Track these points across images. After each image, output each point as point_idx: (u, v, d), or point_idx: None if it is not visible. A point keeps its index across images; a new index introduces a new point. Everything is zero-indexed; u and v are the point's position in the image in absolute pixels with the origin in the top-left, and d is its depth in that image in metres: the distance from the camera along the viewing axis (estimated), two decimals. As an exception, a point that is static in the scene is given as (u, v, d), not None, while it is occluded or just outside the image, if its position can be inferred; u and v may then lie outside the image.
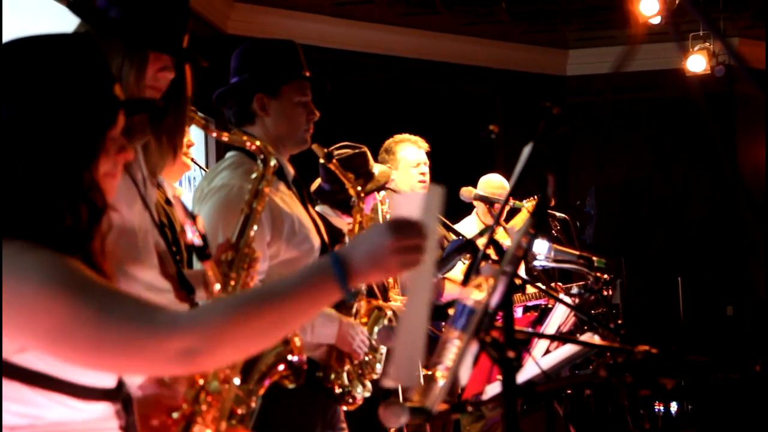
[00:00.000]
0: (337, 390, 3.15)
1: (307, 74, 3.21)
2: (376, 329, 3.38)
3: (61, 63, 1.70)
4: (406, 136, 5.08)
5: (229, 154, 3.20)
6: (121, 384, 1.78)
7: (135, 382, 2.05)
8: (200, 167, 4.33)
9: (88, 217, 1.68)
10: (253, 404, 2.18)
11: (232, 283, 2.34)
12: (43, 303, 1.56)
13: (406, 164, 4.94)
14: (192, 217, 2.12)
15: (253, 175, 2.62)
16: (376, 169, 4.31)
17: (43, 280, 1.57)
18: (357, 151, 4.24)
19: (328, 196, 4.27)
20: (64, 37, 1.79)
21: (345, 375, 3.17)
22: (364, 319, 3.39)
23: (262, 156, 2.65)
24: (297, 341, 2.28)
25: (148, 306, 1.65)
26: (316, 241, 3.16)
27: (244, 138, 2.70)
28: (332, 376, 3.14)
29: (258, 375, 2.32)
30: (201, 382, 2.07)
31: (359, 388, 3.23)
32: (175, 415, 2.04)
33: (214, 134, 2.69)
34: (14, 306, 1.56)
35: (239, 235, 2.47)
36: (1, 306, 1.56)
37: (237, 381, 2.15)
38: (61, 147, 1.67)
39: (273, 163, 2.65)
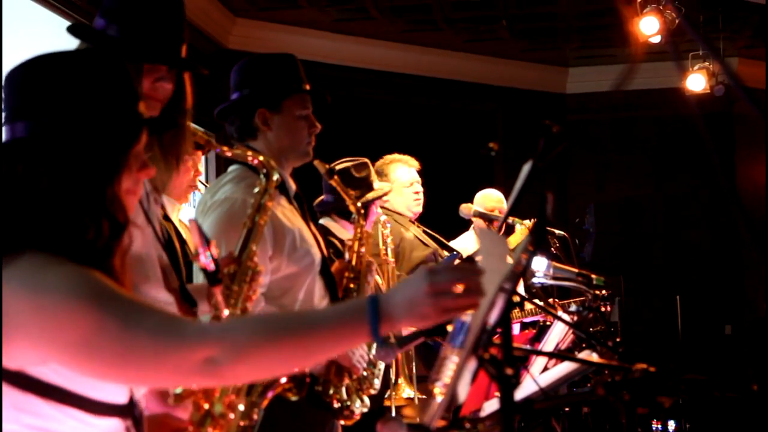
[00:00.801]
0: (336, 404, 3.15)
1: (308, 87, 3.23)
2: (374, 345, 3.38)
3: (86, 79, 1.71)
4: (397, 156, 5.07)
5: (231, 168, 3.22)
6: (132, 401, 1.78)
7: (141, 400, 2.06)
8: (201, 182, 4.33)
9: (110, 232, 1.69)
10: (255, 417, 2.18)
11: (234, 296, 2.34)
12: (69, 315, 1.56)
13: (400, 185, 4.94)
14: (207, 241, 2.13)
15: (256, 189, 2.64)
16: (377, 183, 4.33)
17: (69, 292, 1.57)
18: (358, 162, 4.27)
19: (331, 207, 4.29)
20: (90, 53, 1.81)
21: (344, 389, 3.17)
22: None
23: (264, 170, 2.66)
24: None
25: (175, 318, 1.65)
26: (317, 256, 3.17)
27: (248, 153, 2.71)
28: (331, 391, 3.14)
29: (261, 387, 2.32)
30: (206, 406, 2.07)
31: (357, 403, 3.23)
32: None
33: (218, 150, 2.70)
34: (40, 318, 1.56)
35: (242, 249, 2.48)
36: (1, 312, 1.56)
37: (242, 408, 2.15)
38: (86, 162, 1.67)
39: (276, 177, 2.66)
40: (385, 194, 4.33)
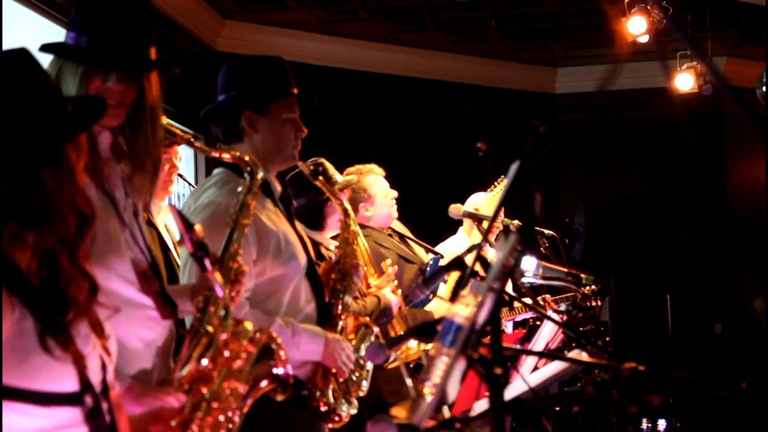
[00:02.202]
0: (323, 408, 3.14)
1: (295, 91, 3.22)
2: (363, 346, 3.38)
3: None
4: (363, 167, 4.98)
5: (216, 171, 3.21)
6: (86, 387, 1.79)
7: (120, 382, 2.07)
8: (189, 184, 4.32)
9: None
10: (237, 419, 2.18)
11: (215, 297, 2.33)
12: None
13: (381, 197, 4.93)
14: (190, 226, 2.12)
15: (239, 189, 2.63)
16: (338, 176, 4.27)
17: None
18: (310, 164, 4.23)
19: (299, 212, 4.24)
20: (8, 61, 1.82)
21: (330, 393, 3.16)
22: (351, 336, 3.38)
23: (248, 169, 2.65)
24: (282, 354, 2.27)
25: None
26: (303, 258, 3.17)
27: (234, 153, 2.71)
28: (317, 394, 3.13)
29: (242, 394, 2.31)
30: (204, 391, 2.08)
31: (345, 406, 3.22)
32: (173, 422, 2.06)
33: (201, 150, 2.69)
34: None
35: (224, 249, 2.48)
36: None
37: (241, 390, 2.16)
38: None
39: (260, 176, 2.65)
40: (345, 189, 4.26)
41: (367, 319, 3.53)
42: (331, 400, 3.16)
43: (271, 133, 3.16)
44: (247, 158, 2.68)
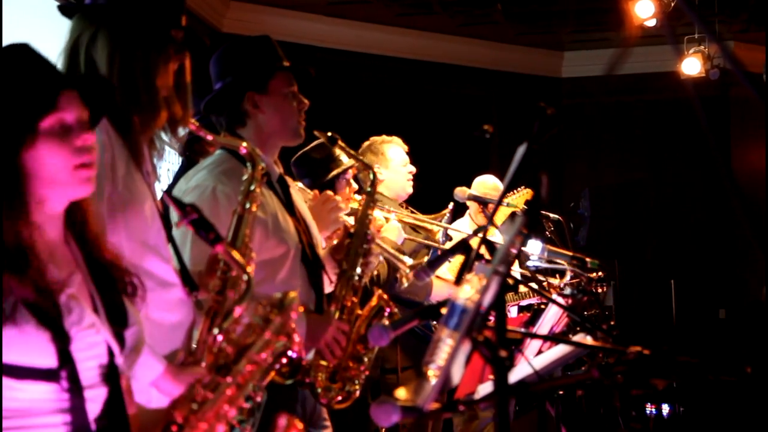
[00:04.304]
0: (320, 387, 3.13)
1: (287, 64, 3.21)
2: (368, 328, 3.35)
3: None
4: (387, 137, 5.04)
5: (216, 153, 3.19)
6: (64, 364, 1.82)
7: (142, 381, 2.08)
8: None
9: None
10: (259, 399, 2.18)
11: (230, 282, 2.33)
12: None
13: (397, 164, 4.93)
14: (183, 206, 2.12)
15: (244, 177, 2.61)
16: (343, 158, 4.26)
17: None
18: (314, 145, 4.22)
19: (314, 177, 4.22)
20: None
21: (327, 373, 3.15)
22: (359, 311, 3.33)
23: (251, 159, 2.64)
24: (296, 337, 2.27)
25: None
26: (293, 243, 3.10)
27: (236, 141, 2.70)
28: (313, 373, 3.12)
29: (259, 374, 2.30)
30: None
31: (347, 386, 3.20)
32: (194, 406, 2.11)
33: (208, 137, 2.68)
34: None
35: (234, 236, 2.47)
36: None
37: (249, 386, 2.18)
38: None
39: (261, 165, 2.63)
40: (351, 167, 4.26)
41: (385, 296, 3.46)
42: (327, 381, 3.14)
43: (275, 110, 3.14)
44: (245, 147, 2.64)
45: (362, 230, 3.38)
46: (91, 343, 1.88)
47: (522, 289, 5.33)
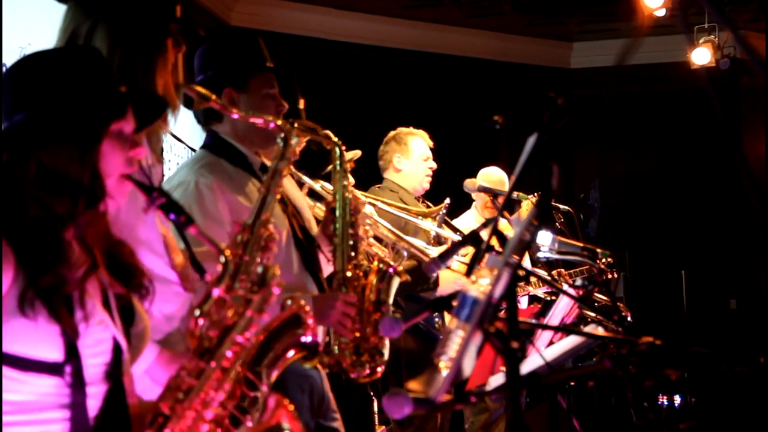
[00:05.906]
0: (347, 364, 3.11)
1: (271, 65, 3.18)
2: (393, 287, 3.27)
3: (64, 71, 1.92)
4: (415, 129, 5.05)
5: (197, 151, 3.19)
6: (70, 359, 1.82)
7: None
8: (191, 149, 4.27)
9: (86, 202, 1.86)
10: (265, 388, 2.15)
11: (246, 265, 2.30)
12: None
13: (418, 157, 4.92)
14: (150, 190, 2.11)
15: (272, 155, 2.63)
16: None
17: None
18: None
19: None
20: (70, 49, 2.05)
21: (350, 348, 3.12)
22: (364, 281, 3.27)
23: (282, 135, 2.65)
24: (310, 321, 2.25)
25: None
26: (283, 230, 3.07)
27: (266, 117, 2.74)
28: (338, 353, 3.10)
29: (272, 356, 2.26)
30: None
31: (375, 359, 3.15)
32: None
33: (234, 114, 2.73)
34: None
35: (255, 217, 2.44)
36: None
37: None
38: (67, 136, 1.86)
39: (293, 141, 2.64)
40: (350, 161, 4.20)
41: (386, 260, 3.40)
42: (347, 357, 3.11)
43: (251, 109, 2.99)
44: (279, 123, 2.68)
45: (343, 204, 3.29)
46: (98, 340, 1.88)
47: (533, 279, 5.32)
